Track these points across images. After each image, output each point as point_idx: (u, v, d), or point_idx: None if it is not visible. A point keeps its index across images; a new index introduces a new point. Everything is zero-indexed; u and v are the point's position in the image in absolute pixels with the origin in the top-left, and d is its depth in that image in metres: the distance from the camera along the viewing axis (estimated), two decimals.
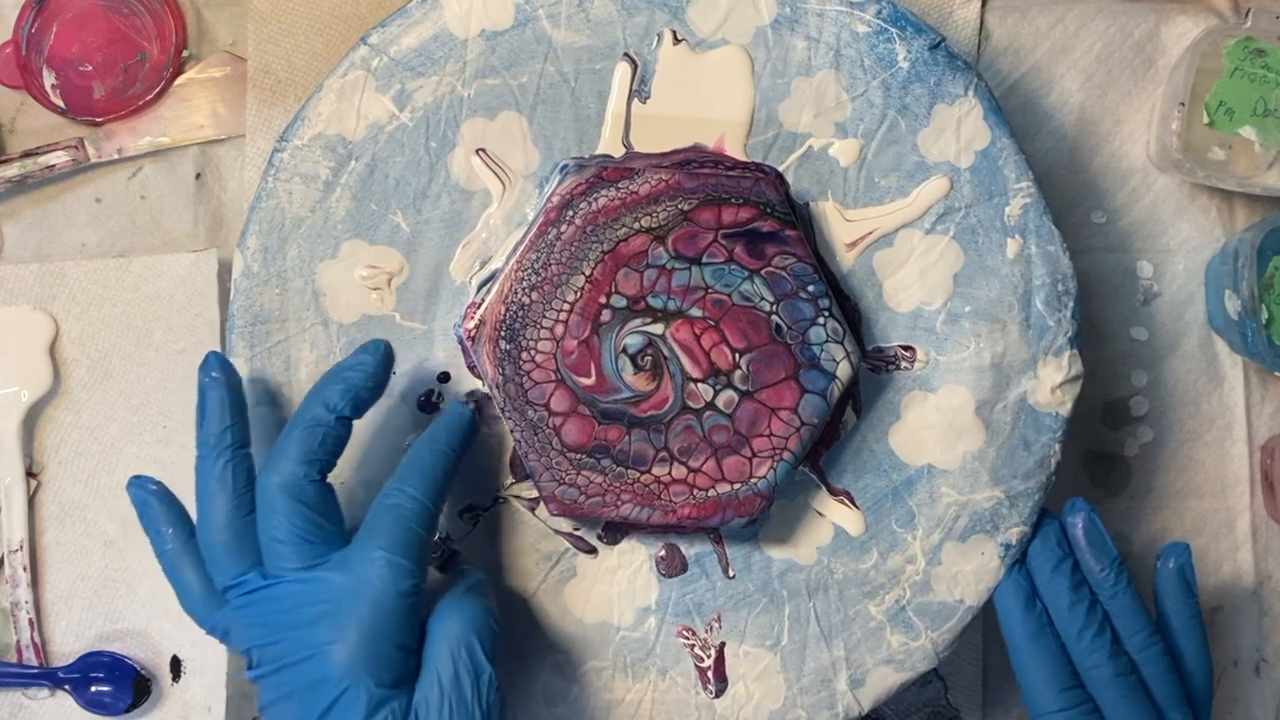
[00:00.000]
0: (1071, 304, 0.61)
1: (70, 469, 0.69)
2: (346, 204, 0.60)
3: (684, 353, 0.58)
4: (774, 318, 0.58)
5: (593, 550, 0.62)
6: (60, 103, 0.69)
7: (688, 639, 0.62)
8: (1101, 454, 0.71)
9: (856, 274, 0.61)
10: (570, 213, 0.58)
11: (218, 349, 0.62)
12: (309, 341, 0.61)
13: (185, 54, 0.70)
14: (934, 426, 0.62)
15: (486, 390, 0.59)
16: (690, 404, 0.58)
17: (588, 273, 0.58)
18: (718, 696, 0.62)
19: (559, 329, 0.58)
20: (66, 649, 0.68)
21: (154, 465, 0.68)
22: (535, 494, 0.61)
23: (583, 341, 0.58)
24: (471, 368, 0.61)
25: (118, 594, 0.69)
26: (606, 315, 0.58)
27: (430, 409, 0.61)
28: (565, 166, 0.60)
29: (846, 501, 0.62)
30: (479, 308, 0.58)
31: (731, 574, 0.62)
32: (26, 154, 0.68)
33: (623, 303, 0.58)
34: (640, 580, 0.62)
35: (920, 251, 0.61)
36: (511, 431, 0.58)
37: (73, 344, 0.69)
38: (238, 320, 0.60)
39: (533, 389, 0.58)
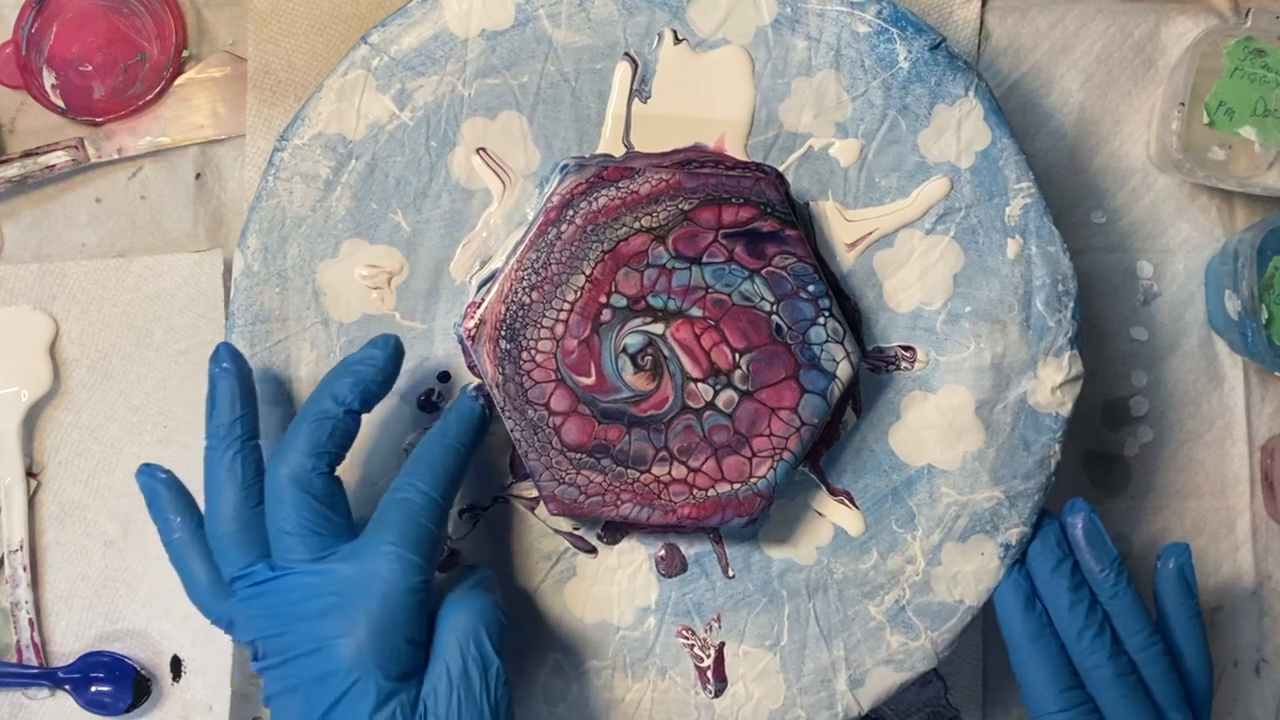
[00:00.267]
0: (1072, 304, 0.61)
1: (70, 469, 0.69)
2: (347, 203, 0.60)
3: (684, 352, 0.58)
4: (774, 318, 0.58)
5: (592, 550, 0.62)
6: (60, 103, 0.69)
7: (687, 639, 0.62)
8: (1101, 454, 0.71)
9: (857, 274, 0.61)
10: (570, 212, 0.58)
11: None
12: (309, 340, 0.61)
13: (185, 54, 0.70)
14: (934, 427, 0.62)
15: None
16: (690, 404, 0.58)
17: (588, 272, 0.58)
18: (717, 696, 0.62)
19: (559, 328, 0.58)
20: (66, 649, 0.68)
21: None
22: (535, 493, 0.61)
23: (583, 341, 0.58)
24: (471, 367, 0.61)
25: (118, 594, 0.69)
26: (607, 315, 0.58)
27: (430, 408, 0.61)
28: (565, 166, 0.60)
29: (846, 501, 0.62)
30: (479, 307, 0.58)
31: (731, 574, 0.62)
32: (26, 154, 0.68)
33: (623, 302, 0.58)
34: (640, 580, 0.62)
35: (920, 252, 0.61)
36: (511, 431, 0.58)
37: (73, 344, 0.69)
38: (238, 319, 0.61)
39: (533, 388, 0.58)
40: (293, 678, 0.53)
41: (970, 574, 0.61)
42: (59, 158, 0.68)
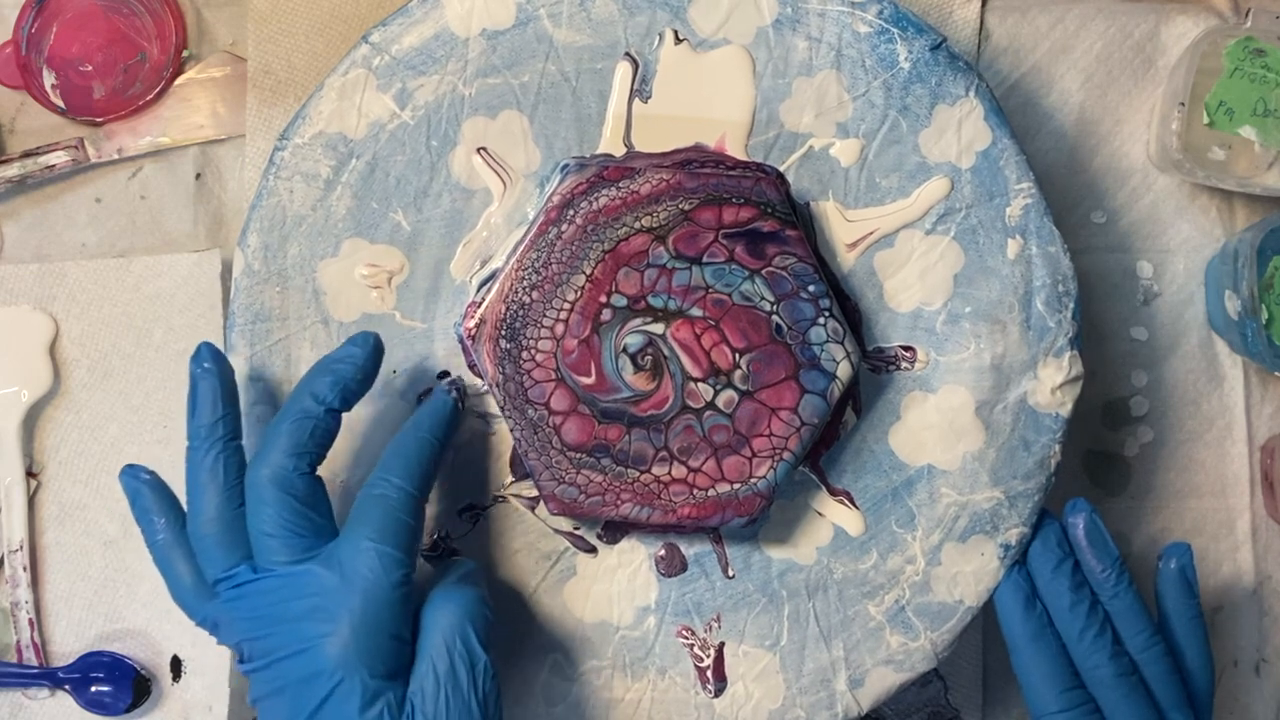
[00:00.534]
0: (1072, 305, 0.61)
1: (70, 469, 0.69)
2: (347, 202, 0.60)
3: (684, 352, 0.58)
4: (774, 318, 0.58)
5: (592, 549, 0.62)
6: (60, 103, 0.69)
7: (687, 638, 0.62)
8: (1101, 454, 0.71)
9: (857, 274, 0.61)
10: (571, 212, 0.58)
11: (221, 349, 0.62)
12: (309, 340, 0.61)
13: (185, 54, 0.70)
14: (934, 427, 0.62)
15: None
16: (690, 403, 0.58)
17: (588, 272, 0.58)
18: (717, 696, 0.62)
19: (559, 328, 0.58)
20: (66, 649, 0.68)
21: (154, 465, 0.67)
22: (535, 493, 0.61)
23: (583, 341, 0.58)
24: (472, 366, 0.61)
25: (118, 594, 0.68)
26: (607, 314, 0.58)
27: None
28: (566, 166, 0.60)
29: (846, 502, 0.62)
30: (479, 307, 0.58)
31: (731, 574, 0.62)
32: (26, 154, 0.68)
33: (623, 302, 0.58)
34: (640, 580, 0.62)
35: (921, 252, 0.61)
36: (511, 430, 0.58)
37: (73, 344, 0.69)
38: (238, 318, 0.61)
39: (533, 388, 0.58)
40: (278, 679, 0.52)
41: (970, 574, 0.61)
42: (59, 158, 0.68)
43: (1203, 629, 0.61)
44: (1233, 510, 0.71)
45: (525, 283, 0.58)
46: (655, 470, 0.58)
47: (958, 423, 0.61)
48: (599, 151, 0.61)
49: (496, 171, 0.61)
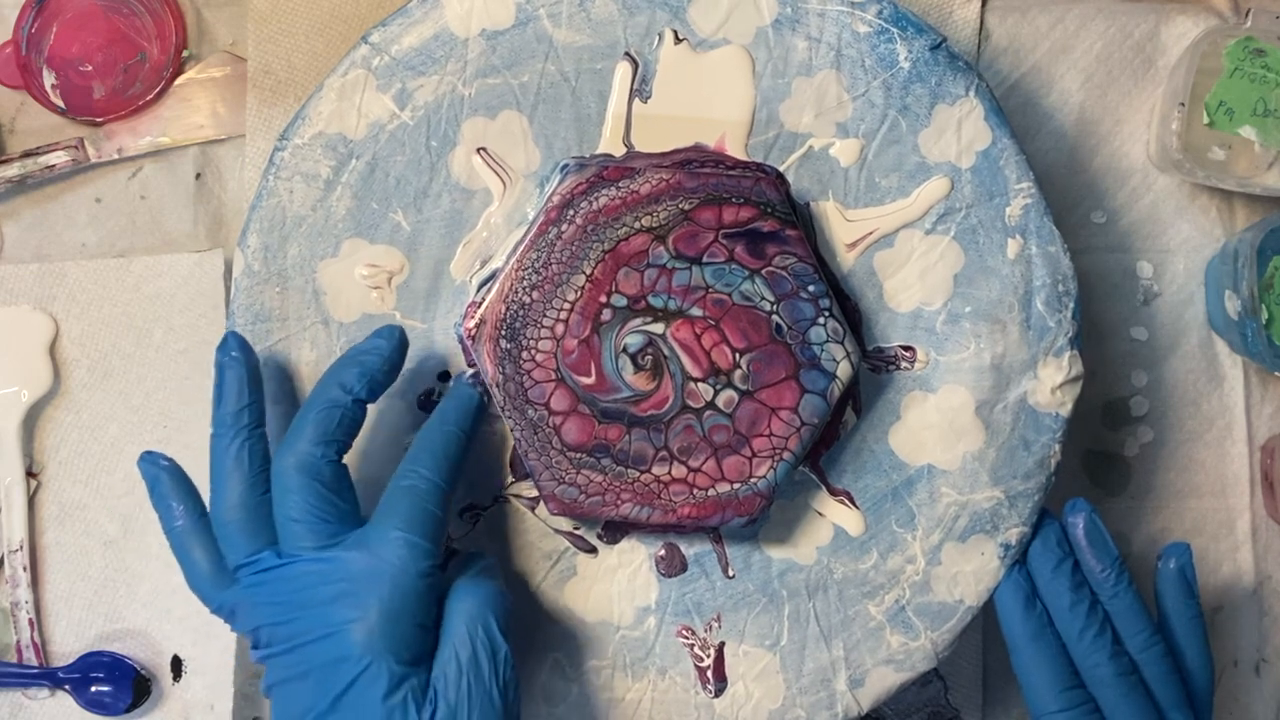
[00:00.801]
0: (1072, 304, 0.61)
1: (70, 469, 0.69)
2: (347, 203, 0.60)
3: (684, 352, 0.58)
4: (774, 317, 0.58)
5: (593, 549, 0.62)
6: (60, 103, 0.69)
7: (687, 638, 0.62)
8: (1101, 454, 0.71)
9: (857, 274, 0.61)
10: (571, 212, 0.58)
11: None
12: (309, 340, 0.61)
13: (185, 54, 0.70)
14: (934, 427, 0.62)
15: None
16: (690, 403, 0.58)
17: (588, 272, 0.58)
18: (717, 696, 0.62)
19: (559, 328, 0.58)
20: (66, 649, 0.68)
21: None
22: (535, 493, 0.61)
23: (583, 341, 0.58)
24: (472, 366, 0.61)
25: (118, 594, 0.69)
26: (607, 314, 0.58)
27: (430, 408, 0.61)
28: (566, 166, 0.60)
29: (846, 501, 0.62)
30: (479, 307, 0.58)
31: (731, 574, 0.62)
32: (26, 154, 0.68)
33: (623, 302, 0.58)
34: (640, 579, 0.62)
35: (921, 252, 0.61)
36: (511, 430, 0.58)
37: (73, 344, 0.69)
38: (238, 319, 0.61)
39: (533, 388, 0.58)
40: (301, 664, 0.53)
41: (970, 574, 0.61)
42: (59, 158, 0.68)
43: (1202, 629, 0.61)
44: (1233, 510, 0.71)
45: (525, 283, 0.58)
46: (655, 470, 0.58)
47: (958, 422, 0.61)
48: (599, 151, 0.61)
49: (496, 172, 0.61)
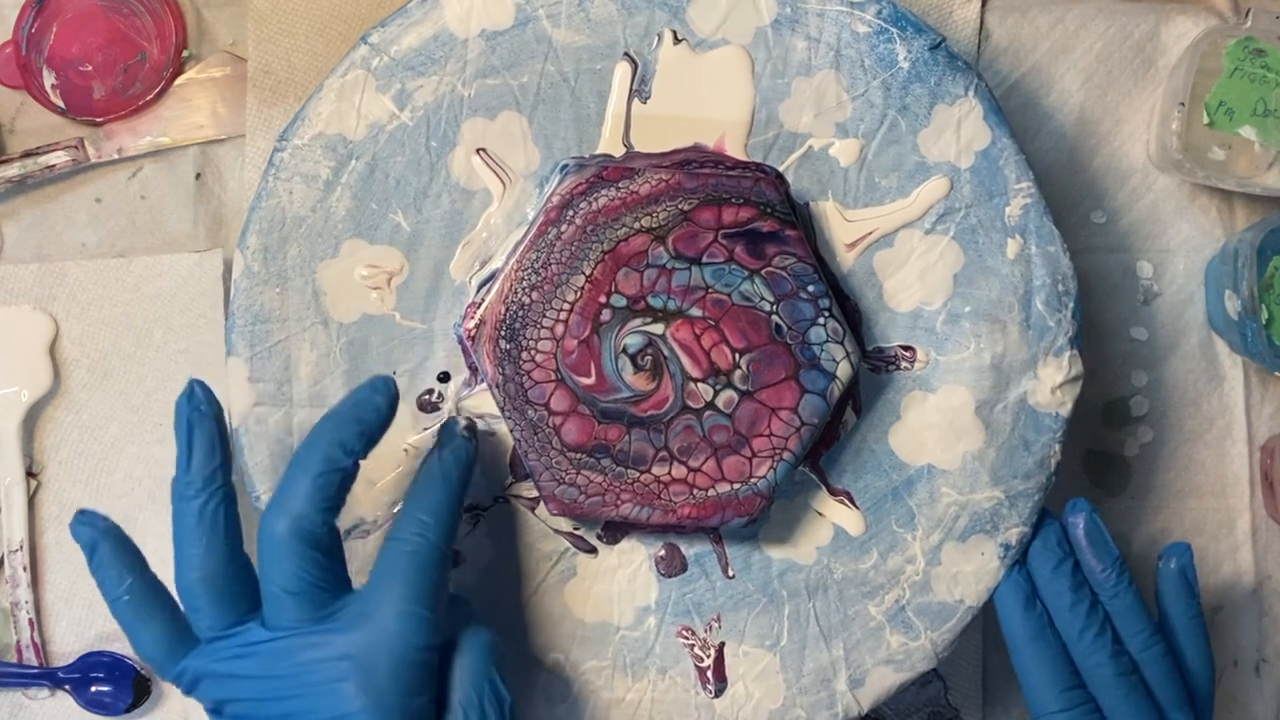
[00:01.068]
0: (1072, 304, 0.61)
1: (70, 469, 0.69)
2: (347, 203, 0.60)
3: (684, 352, 0.58)
4: (774, 318, 0.58)
5: (593, 550, 0.62)
6: (60, 103, 0.69)
7: (687, 639, 0.62)
8: (1101, 454, 0.71)
9: (857, 274, 0.61)
10: (570, 212, 0.58)
11: (221, 349, 0.62)
12: (309, 341, 0.61)
13: (185, 54, 0.70)
14: (934, 427, 0.62)
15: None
16: (690, 404, 0.58)
17: (588, 272, 0.58)
18: (717, 696, 0.62)
19: (559, 328, 0.58)
20: (66, 649, 0.68)
21: (154, 465, 0.68)
22: (535, 493, 0.61)
23: (583, 341, 0.58)
24: (471, 367, 0.61)
25: None
26: (607, 315, 0.58)
27: (430, 408, 0.61)
28: (565, 166, 0.60)
29: (846, 501, 0.62)
30: (479, 307, 0.58)
31: (731, 574, 0.62)
32: (26, 154, 0.68)
33: (623, 302, 0.58)
34: (640, 580, 0.62)
35: (920, 252, 0.61)
36: (511, 431, 0.58)
37: (73, 344, 0.69)
38: (238, 319, 0.60)
39: (533, 388, 0.58)
40: None
41: (970, 574, 0.61)
42: (59, 158, 0.68)
43: (1203, 629, 0.61)
44: (1233, 510, 0.71)
45: (525, 283, 0.58)
46: (655, 470, 0.58)
47: (958, 422, 0.61)
48: (598, 152, 0.61)
49: (496, 172, 0.61)
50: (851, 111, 0.61)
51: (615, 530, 0.62)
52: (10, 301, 0.69)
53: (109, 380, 0.69)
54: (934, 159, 0.61)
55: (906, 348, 0.62)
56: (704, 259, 0.58)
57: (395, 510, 0.60)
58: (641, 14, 0.61)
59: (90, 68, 0.69)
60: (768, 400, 0.58)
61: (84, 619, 0.68)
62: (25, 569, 0.67)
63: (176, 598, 0.53)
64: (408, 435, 0.61)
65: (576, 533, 0.62)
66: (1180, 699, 0.60)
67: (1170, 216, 0.71)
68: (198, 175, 0.70)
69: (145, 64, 0.69)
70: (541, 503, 0.60)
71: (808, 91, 0.61)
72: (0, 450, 0.68)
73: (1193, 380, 0.71)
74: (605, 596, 0.62)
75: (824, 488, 0.62)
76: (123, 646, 0.68)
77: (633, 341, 0.58)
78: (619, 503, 0.58)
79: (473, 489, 0.61)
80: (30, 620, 0.68)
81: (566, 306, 0.58)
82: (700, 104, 0.61)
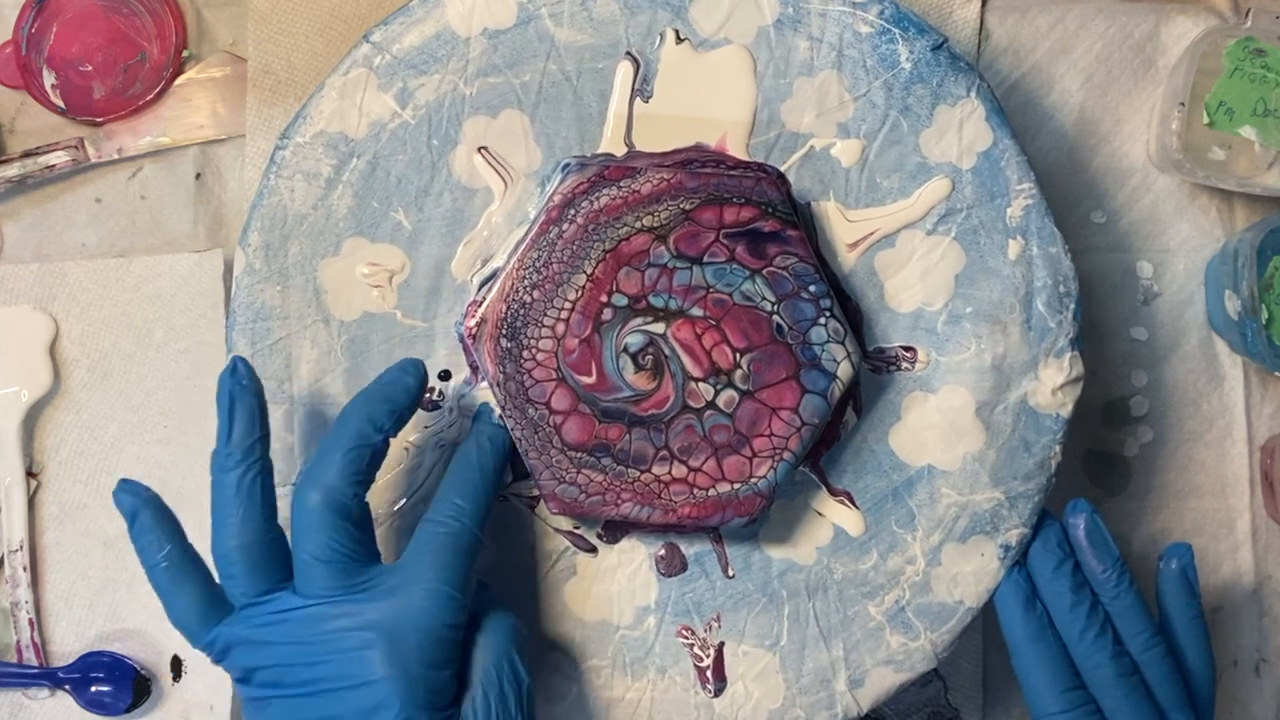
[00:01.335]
0: (1073, 305, 0.61)
1: (70, 469, 0.69)
2: (348, 201, 0.60)
3: (685, 352, 0.58)
4: (775, 317, 0.58)
5: (592, 549, 0.62)
6: (60, 103, 0.69)
7: (687, 638, 0.62)
8: (1101, 454, 0.71)
9: (858, 274, 0.61)
10: (572, 211, 0.58)
11: (222, 349, 0.62)
12: (310, 339, 0.61)
13: (185, 54, 0.70)
14: (934, 427, 0.62)
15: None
16: (691, 403, 0.58)
17: (589, 271, 0.58)
18: (717, 696, 0.62)
19: (560, 327, 0.58)
20: (66, 649, 0.68)
21: (154, 465, 0.68)
22: (535, 492, 0.61)
23: (584, 340, 0.58)
24: (472, 366, 0.61)
25: (118, 594, 0.68)
26: (608, 314, 0.58)
27: (431, 407, 0.61)
28: (567, 165, 0.60)
29: (846, 502, 0.62)
30: (480, 306, 0.58)
31: (731, 574, 0.62)
32: (26, 154, 0.68)
33: (624, 301, 0.58)
34: (640, 579, 0.62)
35: (922, 252, 0.61)
36: (512, 430, 0.58)
37: (73, 344, 0.69)
38: (239, 317, 0.60)
39: (533, 387, 0.58)
40: (323, 710, 0.52)
41: (970, 575, 0.61)
42: (59, 158, 0.68)
43: (1203, 629, 0.61)
44: (1233, 510, 0.71)
45: (526, 282, 0.58)
46: (655, 470, 0.58)
47: (958, 423, 0.61)
48: (600, 151, 0.61)
49: (497, 171, 0.61)
50: (853, 112, 0.61)
51: (615, 529, 0.62)
52: (10, 301, 0.69)
53: (109, 380, 0.69)
54: (936, 160, 0.61)
55: (907, 348, 0.62)
56: (705, 258, 0.58)
57: (397, 508, 0.61)
58: (644, 13, 0.61)
59: (90, 68, 0.69)
60: (768, 400, 0.58)
61: (84, 619, 0.68)
62: (25, 569, 0.67)
63: (211, 567, 0.55)
64: (409, 434, 0.61)
65: (576, 532, 0.62)
66: (1181, 700, 0.60)
67: (1170, 216, 0.71)
68: (198, 175, 0.70)
69: (145, 64, 0.69)
70: (542, 501, 0.60)
71: (810, 91, 0.61)
72: (0, 450, 0.68)
73: (1193, 380, 0.71)
74: (605, 596, 0.62)
75: (824, 488, 0.62)
76: (122, 646, 0.68)
77: (634, 341, 0.58)
78: (619, 502, 0.58)
79: None
80: (30, 620, 0.67)
81: (568, 305, 0.58)
82: (702, 103, 0.61)
